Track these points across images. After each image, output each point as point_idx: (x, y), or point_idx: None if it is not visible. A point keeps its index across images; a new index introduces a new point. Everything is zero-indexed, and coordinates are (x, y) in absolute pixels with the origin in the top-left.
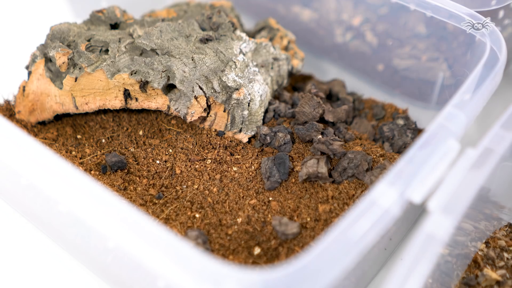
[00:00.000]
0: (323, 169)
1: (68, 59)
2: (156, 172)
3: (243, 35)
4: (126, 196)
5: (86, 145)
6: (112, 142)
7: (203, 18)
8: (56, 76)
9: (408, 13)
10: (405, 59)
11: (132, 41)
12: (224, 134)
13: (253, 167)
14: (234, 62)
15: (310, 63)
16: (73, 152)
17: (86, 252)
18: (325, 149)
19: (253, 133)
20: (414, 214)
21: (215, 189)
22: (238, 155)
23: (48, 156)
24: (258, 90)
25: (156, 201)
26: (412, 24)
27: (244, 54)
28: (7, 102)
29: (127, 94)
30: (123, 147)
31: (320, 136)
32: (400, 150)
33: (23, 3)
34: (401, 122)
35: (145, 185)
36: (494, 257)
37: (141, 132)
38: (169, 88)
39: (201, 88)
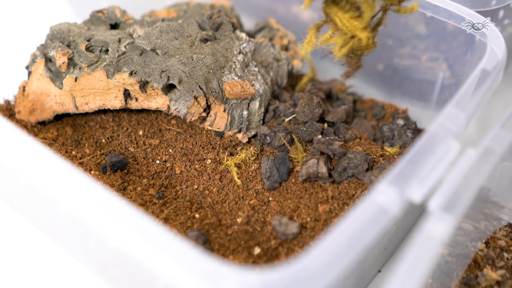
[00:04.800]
0: (323, 169)
1: (68, 59)
2: (156, 172)
3: (243, 35)
4: (126, 196)
5: (86, 145)
6: (112, 142)
7: (203, 18)
8: (56, 76)
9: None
10: (405, 59)
11: (132, 41)
12: (224, 134)
13: (253, 167)
14: (234, 62)
15: None
16: (73, 152)
17: (86, 252)
18: (325, 149)
19: (253, 133)
20: (414, 214)
21: (214, 189)
22: (238, 155)
23: (48, 156)
24: (258, 90)
25: (156, 201)
26: (412, 24)
27: (244, 54)
28: (7, 102)
29: (127, 94)
30: (123, 147)
31: (320, 136)
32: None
33: (23, 3)
34: (401, 122)
35: (145, 185)
36: (494, 257)
37: (141, 132)
38: (169, 88)
39: (201, 88)
